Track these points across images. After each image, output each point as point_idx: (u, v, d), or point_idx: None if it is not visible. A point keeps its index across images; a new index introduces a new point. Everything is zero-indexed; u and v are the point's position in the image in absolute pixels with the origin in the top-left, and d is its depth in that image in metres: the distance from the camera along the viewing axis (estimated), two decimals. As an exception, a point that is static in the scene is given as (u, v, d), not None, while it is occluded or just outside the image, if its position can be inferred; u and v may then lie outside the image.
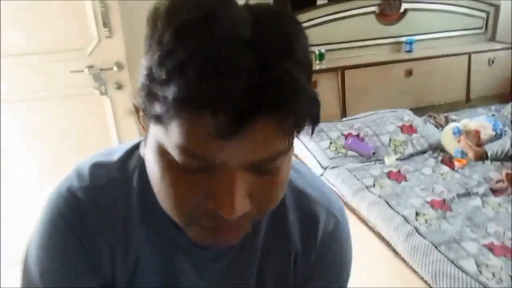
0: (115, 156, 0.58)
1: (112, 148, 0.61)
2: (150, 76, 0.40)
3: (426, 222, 1.61)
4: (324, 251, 0.61)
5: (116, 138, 2.19)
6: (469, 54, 2.82)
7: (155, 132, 0.44)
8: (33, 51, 1.96)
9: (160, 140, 0.43)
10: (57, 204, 0.55)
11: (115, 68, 2.03)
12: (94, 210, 0.55)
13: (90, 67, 2.03)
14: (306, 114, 0.42)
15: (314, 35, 2.56)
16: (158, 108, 0.40)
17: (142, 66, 0.43)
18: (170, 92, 0.38)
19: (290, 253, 0.61)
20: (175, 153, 0.42)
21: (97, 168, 0.57)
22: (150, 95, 0.41)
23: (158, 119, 0.41)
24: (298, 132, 0.43)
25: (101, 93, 2.09)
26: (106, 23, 1.98)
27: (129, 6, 2.21)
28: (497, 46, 2.94)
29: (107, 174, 0.56)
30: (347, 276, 0.66)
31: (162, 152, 0.44)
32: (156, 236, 0.57)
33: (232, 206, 0.41)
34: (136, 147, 0.59)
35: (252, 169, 0.43)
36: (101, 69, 2.03)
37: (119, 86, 2.09)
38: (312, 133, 0.45)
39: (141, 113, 0.47)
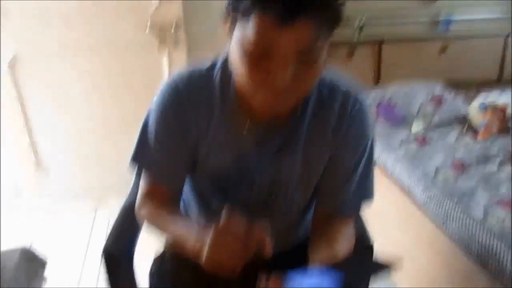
0: (205, 64, 0.87)
1: (203, 61, 0.89)
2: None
3: (443, 178, 1.80)
4: (350, 125, 0.85)
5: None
6: (505, 37, 2.90)
7: (239, 29, 0.68)
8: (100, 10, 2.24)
9: (242, 33, 0.67)
10: (165, 92, 0.85)
11: (173, 28, 2.27)
12: (188, 97, 0.84)
13: (151, 26, 2.28)
14: (336, 17, 0.66)
15: (355, 8, 2.73)
16: (243, 6, 0.65)
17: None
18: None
19: (328, 133, 0.85)
20: (250, 42, 0.65)
21: (192, 69, 0.88)
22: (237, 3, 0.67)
23: (245, 13, 0.65)
24: (331, 30, 0.67)
25: (160, 50, 2.34)
26: (166, -12, 2.22)
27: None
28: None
29: (199, 72, 0.85)
30: (368, 150, 0.89)
31: (242, 43, 0.68)
32: (229, 119, 0.84)
33: (284, 76, 0.66)
34: (217, 59, 0.86)
35: (297, 57, 0.66)
36: (161, 28, 2.28)
37: (176, 44, 2.33)
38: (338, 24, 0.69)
39: (227, 25, 0.72)
